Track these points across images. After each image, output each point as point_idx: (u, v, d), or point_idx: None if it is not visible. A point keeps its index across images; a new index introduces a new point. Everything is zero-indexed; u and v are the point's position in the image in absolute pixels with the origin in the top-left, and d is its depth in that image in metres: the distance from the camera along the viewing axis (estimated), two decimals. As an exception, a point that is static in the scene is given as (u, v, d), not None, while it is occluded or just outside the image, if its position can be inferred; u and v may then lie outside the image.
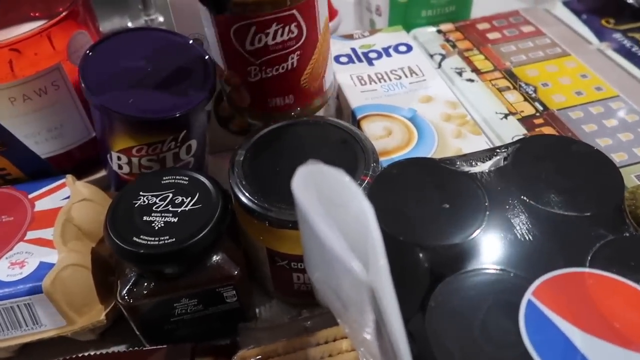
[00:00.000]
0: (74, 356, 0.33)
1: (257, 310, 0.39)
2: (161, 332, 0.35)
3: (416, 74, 0.46)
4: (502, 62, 0.49)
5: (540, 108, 0.43)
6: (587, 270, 0.24)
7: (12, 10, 0.44)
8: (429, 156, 0.38)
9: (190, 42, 0.40)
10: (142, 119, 0.35)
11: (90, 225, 0.37)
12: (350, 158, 0.35)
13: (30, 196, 0.38)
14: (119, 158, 0.38)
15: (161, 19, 0.64)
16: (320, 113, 0.42)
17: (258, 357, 0.31)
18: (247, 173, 0.34)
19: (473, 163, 0.31)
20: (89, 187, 0.40)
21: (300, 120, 0.38)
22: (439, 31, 0.54)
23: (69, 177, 0.40)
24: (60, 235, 0.35)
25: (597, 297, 0.23)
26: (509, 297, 0.23)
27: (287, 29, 0.33)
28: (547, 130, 0.41)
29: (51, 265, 0.33)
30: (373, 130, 0.40)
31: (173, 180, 0.34)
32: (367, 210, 0.19)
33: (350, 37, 0.52)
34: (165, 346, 0.33)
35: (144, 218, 0.32)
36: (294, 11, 0.33)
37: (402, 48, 0.50)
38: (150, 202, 0.33)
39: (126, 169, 0.39)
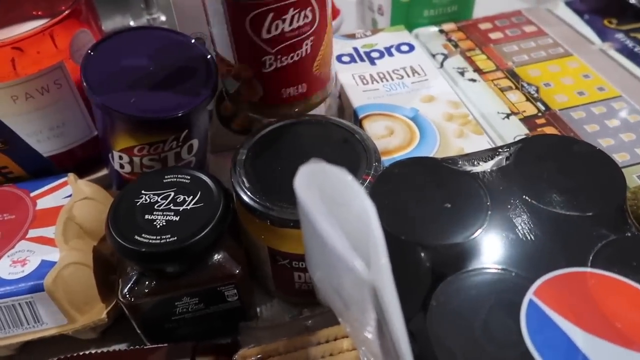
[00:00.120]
0: (75, 354, 0.33)
1: (258, 309, 0.39)
2: (162, 330, 0.35)
3: (418, 74, 0.46)
4: (504, 62, 0.49)
5: (542, 108, 0.43)
6: (588, 270, 0.24)
7: (14, 8, 0.44)
8: (431, 156, 0.38)
9: (193, 41, 0.40)
10: (143, 118, 0.35)
11: (92, 223, 0.37)
12: (352, 157, 0.35)
13: (32, 194, 0.38)
14: (120, 157, 0.38)
15: (163, 18, 0.64)
16: (322, 112, 0.42)
17: (259, 356, 0.31)
18: (249, 172, 0.34)
19: (475, 162, 0.31)
20: (90, 186, 0.40)
21: (302, 119, 0.38)
22: (441, 31, 0.54)
23: (71, 176, 0.40)
24: (62, 233, 0.35)
25: (598, 297, 0.23)
26: (510, 296, 0.23)
27: (302, 14, 0.33)
28: (549, 130, 0.41)
29: (53, 264, 0.33)
30: (375, 130, 0.40)
31: (175, 179, 0.34)
32: (369, 210, 0.18)
33: (352, 36, 0.52)
34: (166, 345, 0.33)
35: (146, 217, 0.32)
36: None
37: (404, 48, 0.50)
38: (152, 200, 0.33)
39: (128, 168, 0.39)
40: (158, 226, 0.31)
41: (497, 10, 0.57)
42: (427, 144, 0.39)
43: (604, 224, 0.26)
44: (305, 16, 0.33)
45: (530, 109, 0.43)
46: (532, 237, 0.26)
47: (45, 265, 0.33)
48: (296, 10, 0.33)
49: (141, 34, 0.40)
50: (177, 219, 0.32)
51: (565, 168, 0.29)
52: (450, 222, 0.27)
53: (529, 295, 0.23)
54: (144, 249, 0.30)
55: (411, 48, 0.49)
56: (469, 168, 0.30)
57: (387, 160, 0.37)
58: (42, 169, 0.41)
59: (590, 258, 0.24)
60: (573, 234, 0.26)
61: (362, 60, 0.48)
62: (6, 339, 0.34)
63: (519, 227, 0.26)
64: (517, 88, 0.46)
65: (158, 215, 0.32)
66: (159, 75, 0.38)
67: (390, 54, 0.49)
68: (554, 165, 0.29)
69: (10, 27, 0.42)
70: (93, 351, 0.33)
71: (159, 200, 0.33)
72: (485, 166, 0.30)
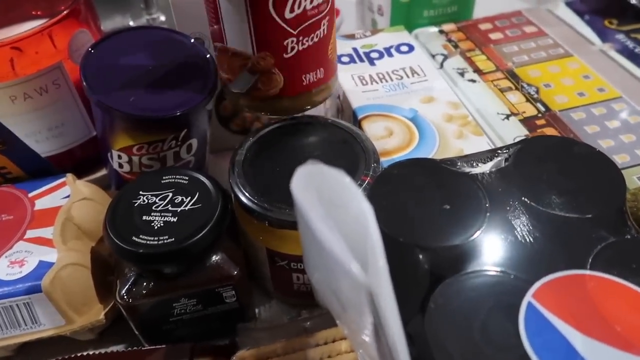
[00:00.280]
0: (72, 355, 0.33)
1: (256, 311, 0.38)
2: (160, 331, 0.35)
3: (418, 74, 0.46)
4: (504, 63, 0.49)
5: (542, 109, 0.43)
6: (588, 272, 0.24)
7: (13, 8, 0.44)
8: (430, 157, 0.37)
9: (192, 41, 0.40)
10: (143, 117, 0.35)
11: (90, 224, 0.37)
12: (350, 158, 0.34)
13: (30, 195, 0.38)
14: (119, 157, 0.38)
15: (163, 18, 0.64)
16: (321, 113, 0.42)
17: (257, 358, 0.31)
18: (247, 173, 0.34)
19: (474, 164, 0.31)
20: (89, 186, 0.40)
21: (300, 119, 0.38)
22: (441, 31, 0.54)
23: (69, 176, 0.40)
24: (60, 234, 0.35)
25: (598, 299, 0.23)
26: (509, 299, 0.23)
27: None
28: (549, 131, 0.41)
29: (50, 265, 0.33)
30: (374, 131, 0.40)
31: (173, 180, 0.34)
32: (366, 212, 0.18)
33: (352, 36, 0.52)
34: (164, 346, 0.33)
35: (144, 217, 0.32)
36: None
37: (404, 48, 0.49)
38: (150, 201, 0.32)
39: (127, 167, 0.39)
40: (156, 227, 0.31)
41: (497, 10, 0.56)
42: (426, 144, 0.39)
43: (604, 226, 0.26)
44: None
45: (530, 110, 0.43)
46: (531, 239, 0.26)
47: (43, 266, 0.33)
48: None
49: (140, 34, 0.40)
50: (175, 220, 0.31)
51: (565, 169, 0.29)
52: (449, 223, 0.27)
53: (528, 297, 0.23)
54: (141, 250, 0.30)
55: (411, 48, 0.49)
56: (467, 169, 0.30)
57: (386, 161, 0.37)
58: (40, 170, 0.41)
59: (590, 260, 0.24)
60: (572, 236, 0.26)
61: (361, 60, 0.48)
62: (4, 340, 0.34)
63: (518, 229, 0.26)
64: (517, 89, 0.46)
65: (156, 216, 0.32)
66: (158, 74, 0.38)
67: (390, 55, 0.49)
68: (553, 167, 0.29)
69: (9, 27, 0.42)
70: (91, 352, 0.33)
71: (157, 201, 0.32)
72: (484, 167, 0.30)
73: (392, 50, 0.49)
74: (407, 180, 0.29)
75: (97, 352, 0.33)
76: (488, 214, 0.27)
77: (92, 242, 0.37)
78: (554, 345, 0.21)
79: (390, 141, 0.39)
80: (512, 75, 0.47)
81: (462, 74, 0.48)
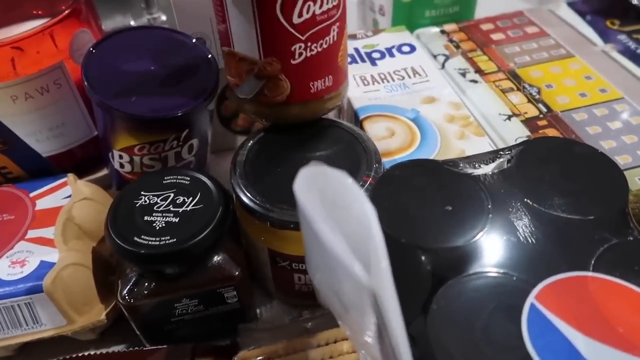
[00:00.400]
0: (74, 355, 0.33)
1: (257, 311, 0.38)
2: (161, 332, 0.35)
3: (419, 75, 0.46)
4: (505, 63, 0.49)
5: (544, 110, 0.43)
6: (590, 274, 0.24)
7: (14, 8, 0.44)
8: (432, 157, 0.37)
9: (193, 41, 0.40)
10: (144, 117, 0.35)
11: (91, 224, 0.37)
12: (352, 159, 0.34)
13: (31, 195, 0.38)
14: (120, 157, 0.38)
15: (164, 17, 0.64)
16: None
17: (258, 358, 0.31)
18: (249, 173, 0.34)
19: (476, 165, 0.30)
20: (90, 186, 0.40)
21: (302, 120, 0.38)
22: (443, 32, 0.54)
23: (70, 176, 0.40)
24: (61, 234, 0.35)
25: (600, 301, 0.23)
26: (511, 300, 0.23)
27: None
28: (551, 132, 0.41)
29: (52, 265, 0.33)
30: (375, 131, 0.40)
31: (174, 180, 0.34)
32: (369, 213, 0.18)
33: (353, 37, 0.52)
34: (165, 346, 0.33)
35: (145, 218, 0.32)
36: None
37: (406, 48, 0.49)
38: (151, 201, 0.32)
39: (128, 167, 0.39)
40: (157, 227, 0.31)
41: (499, 10, 0.56)
42: (428, 145, 0.39)
43: (606, 227, 0.26)
44: None
45: (531, 111, 0.43)
46: (534, 241, 0.26)
47: (44, 266, 0.33)
48: None
49: (142, 34, 0.40)
50: (177, 220, 0.31)
51: (567, 171, 0.29)
52: (451, 225, 0.27)
53: (530, 299, 0.23)
54: (143, 251, 0.30)
55: (412, 49, 0.49)
56: (470, 170, 0.30)
57: (387, 161, 0.37)
58: (41, 169, 0.41)
59: (592, 262, 0.24)
60: (575, 238, 0.26)
61: (363, 61, 0.48)
62: (5, 340, 0.34)
63: (520, 231, 0.26)
64: (518, 89, 0.46)
65: (157, 216, 0.32)
66: (160, 74, 0.38)
67: (392, 55, 0.49)
68: (555, 168, 0.29)
69: (10, 26, 0.42)
70: (92, 352, 0.33)
71: (158, 201, 0.32)
72: (487, 169, 0.30)
73: (394, 51, 0.49)
74: (409, 181, 0.29)
75: (98, 352, 0.33)
76: (490, 216, 0.27)
77: (93, 242, 0.37)
78: (557, 347, 0.21)
79: (391, 142, 0.39)
80: (514, 76, 0.47)
81: (463, 75, 0.48)
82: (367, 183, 0.32)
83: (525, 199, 0.28)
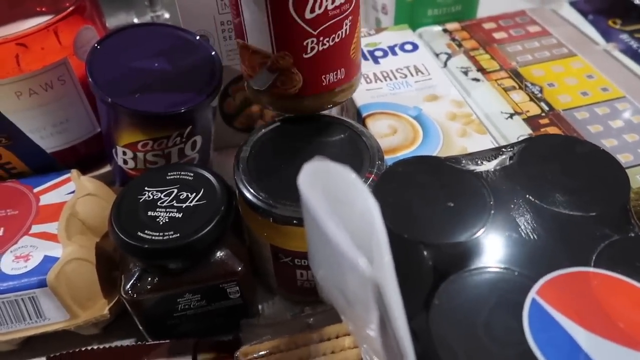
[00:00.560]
0: (77, 350, 0.33)
1: (260, 307, 0.39)
2: (164, 327, 0.35)
3: (422, 73, 0.46)
4: (508, 62, 0.49)
5: (546, 108, 0.43)
6: (591, 270, 0.24)
7: (19, 5, 0.44)
8: (434, 155, 0.38)
9: (197, 38, 0.40)
10: (147, 113, 0.36)
11: (95, 219, 0.37)
12: (355, 156, 0.35)
13: (35, 190, 0.38)
14: (124, 153, 0.38)
15: (167, 15, 0.64)
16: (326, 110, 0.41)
17: (260, 353, 0.31)
18: (252, 169, 0.34)
19: (478, 162, 0.31)
20: (93, 182, 0.40)
21: (305, 117, 0.38)
22: (445, 30, 0.54)
23: (74, 172, 0.40)
24: (65, 229, 0.35)
25: (601, 296, 0.23)
26: (513, 296, 0.23)
27: None
28: (553, 130, 0.41)
29: (55, 259, 0.34)
30: (378, 129, 0.40)
31: (178, 176, 0.34)
32: (372, 208, 0.19)
33: (356, 35, 0.52)
34: (168, 341, 0.33)
35: (149, 213, 0.32)
36: None
37: (408, 47, 0.49)
38: (155, 197, 0.33)
39: (131, 164, 0.39)
40: (161, 223, 0.31)
41: (502, 10, 0.57)
42: (430, 143, 0.39)
43: (607, 224, 0.26)
44: None
45: (533, 109, 0.43)
46: (535, 237, 0.26)
47: (48, 261, 0.33)
48: None
49: (145, 31, 0.40)
50: (180, 215, 0.32)
51: (569, 168, 0.29)
52: (453, 221, 0.27)
53: (532, 294, 0.23)
54: (146, 246, 0.30)
55: (415, 47, 0.49)
56: (472, 167, 0.30)
57: (390, 158, 0.37)
58: (45, 165, 0.41)
59: (594, 258, 0.24)
60: (576, 234, 0.26)
61: (365, 59, 0.48)
62: (9, 334, 0.34)
63: (522, 227, 0.26)
64: (520, 88, 0.46)
65: (161, 212, 0.32)
66: (164, 71, 0.38)
67: (394, 53, 0.49)
68: (557, 165, 0.29)
69: (14, 23, 0.42)
70: (95, 347, 0.33)
71: (162, 197, 0.33)
72: (489, 165, 0.30)
73: (396, 49, 0.49)
74: (411, 178, 0.29)
75: (101, 346, 0.33)
76: (492, 212, 0.27)
77: (97, 238, 0.37)
78: (558, 342, 0.21)
79: (394, 139, 0.39)
80: (516, 75, 0.47)
81: (465, 73, 0.48)
82: (369, 180, 0.33)
83: (527, 196, 0.28)
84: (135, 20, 0.65)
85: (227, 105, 0.47)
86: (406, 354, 0.18)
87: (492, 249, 0.25)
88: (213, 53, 0.39)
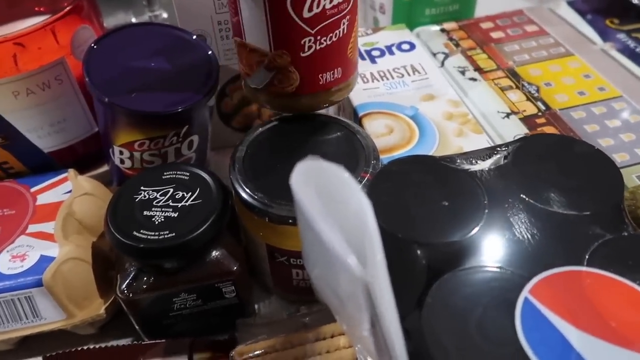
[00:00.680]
0: (73, 349, 0.33)
1: (255, 306, 0.39)
2: (160, 326, 0.35)
3: (419, 73, 0.46)
4: (505, 62, 0.49)
5: (543, 108, 0.43)
6: (584, 269, 0.24)
7: (16, 4, 0.44)
8: (430, 154, 0.38)
9: (194, 37, 0.40)
10: (144, 113, 0.36)
11: (92, 219, 0.37)
12: (350, 155, 0.35)
13: (32, 190, 0.38)
14: (121, 152, 0.38)
15: (165, 15, 0.64)
16: (322, 110, 0.42)
17: (256, 353, 0.31)
18: (248, 169, 0.34)
19: (473, 161, 0.31)
20: (90, 182, 0.40)
21: (301, 116, 0.38)
22: (443, 30, 0.54)
23: (71, 172, 0.40)
24: (62, 229, 0.35)
25: (594, 295, 0.23)
26: (506, 294, 0.23)
27: None
28: (549, 130, 0.41)
29: (52, 259, 0.34)
30: (374, 128, 0.40)
31: (174, 176, 0.34)
32: (365, 207, 0.19)
33: (353, 34, 0.52)
34: (164, 340, 0.33)
35: (145, 213, 0.32)
36: None
37: (405, 46, 0.50)
38: (151, 197, 0.33)
39: (128, 163, 0.39)
40: (157, 222, 0.31)
41: (499, 9, 0.57)
42: (426, 142, 0.39)
43: (601, 223, 0.26)
44: None
45: (530, 109, 0.43)
46: (529, 236, 0.26)
47: (45, 261, 0.34)
48: None
49: (143, 30, 0.40)
50: (176, 215, 0.32)
51: (564, 167, 0.29)
52: (448, 220, 0.27)
53: (525, 293, 0.23)
54: (142, 245, 0.30)
55: (412, 47, 0.49)
56: (467, 166, 0.30)
57: (386, 158, 0.37)
58: (42, 165, 0.41)
59: (587, 257, 0.24)
60: (570, 233, 0.26)
61: (362, 58, 0.48)
62: (5, 334, 0.34)
63: (516, 226, 0.26)
64: (517, 87, 0.46)
65: (157, 211, 0.32)
66: (161, 70, 0.38)
67: (391, 53, 0.49)
68: (552, 165, 0.29)
69: (12, 22, 0.42)
70: (91, 346, 0.33)
71: (157, 196, 0.33)
72: (483, 165, 0.30)
73: (394, 49, 0.49)
74: (406, 177, 0.29)
75: (97, 346, 0.33)
76: (486, 211, 0.27)
77: (93, 237, 0.37)
78: (550, 341, 0.21)
79: (390, 138, 0.39)
80: (513, 74, 0.47)
81: (463, 73, 0.48)
82: (364, 179, 0.33)
83: (522, 195, 0.28)
84: (133, 20, 0.65)
85: (225, 104, 0.47)
86: (396, 355, 0.18)
87: (486, 248, 0.25)
88: (210, 53, 0.39)
